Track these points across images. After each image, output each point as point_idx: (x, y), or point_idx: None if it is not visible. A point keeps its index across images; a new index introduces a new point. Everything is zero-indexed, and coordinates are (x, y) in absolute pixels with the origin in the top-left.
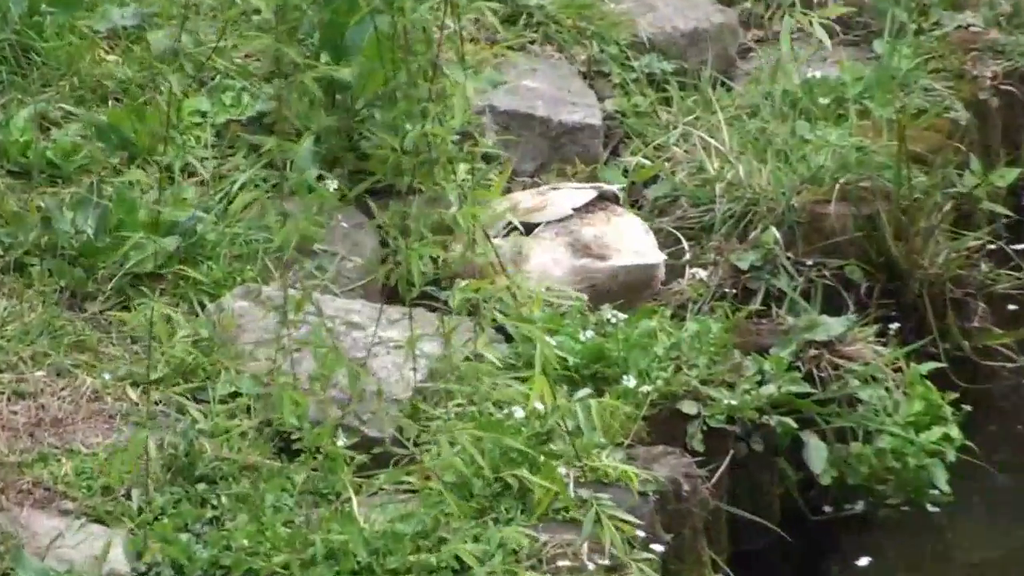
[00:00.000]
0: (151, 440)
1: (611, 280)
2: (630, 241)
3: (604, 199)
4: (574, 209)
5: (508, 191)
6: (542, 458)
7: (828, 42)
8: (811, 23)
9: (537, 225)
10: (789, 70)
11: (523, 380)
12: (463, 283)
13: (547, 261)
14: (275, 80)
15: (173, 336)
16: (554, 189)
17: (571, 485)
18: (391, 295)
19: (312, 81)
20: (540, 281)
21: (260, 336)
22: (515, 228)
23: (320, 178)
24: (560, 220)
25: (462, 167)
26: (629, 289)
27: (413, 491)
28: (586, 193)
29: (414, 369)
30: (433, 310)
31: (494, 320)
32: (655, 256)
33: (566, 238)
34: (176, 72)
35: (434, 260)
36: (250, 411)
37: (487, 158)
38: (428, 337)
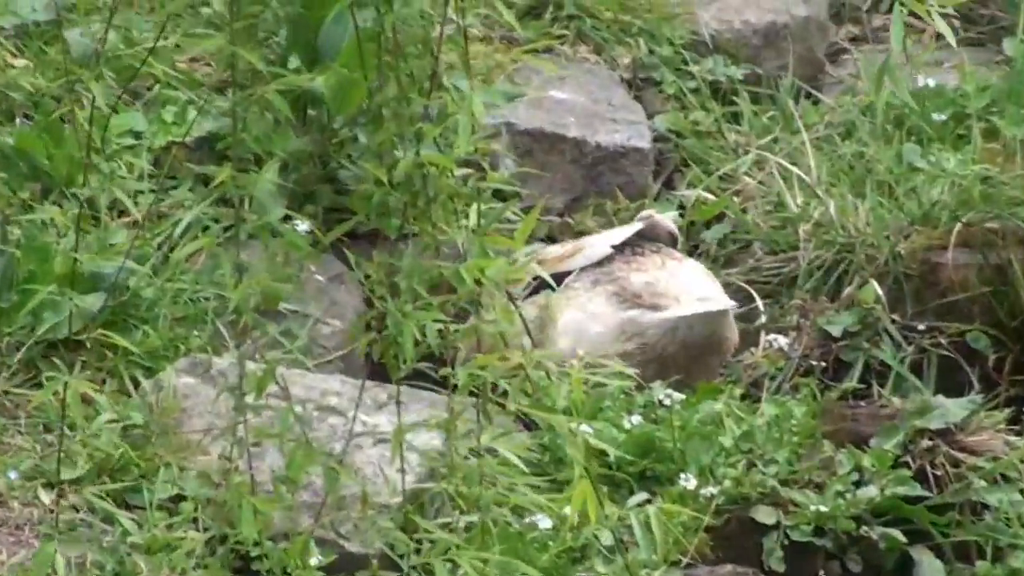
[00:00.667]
0: (62, 556)
1: (668, 337)
2: (691, 287)
3: (651, 240)
4: (614, 247)
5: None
6: None
7: (952, 37)
8: (929, 14)
9: (567, 274)
10: (897, 77)
11: (550, 481)
12: (469, 358)
13: (581, 317)
14: (230, 91)
15: (95, 422)
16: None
17: None
18: (378, 369)
19: (277, 94)
20: (574, 343)
21: (210, 422)
22: (541, 285)
23: (287, 218)
24: (598, 264)
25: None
26: (691, 351)
27: None
28: (628, 228)
29: (402, 470)
30: (431, 391)
31: (505, 406)
32: (723, 301)
33: (608, 286)
34: (101, 80)
35: (434, 330)
36: (197, 521)
37: (501, 195)
38: (424, 426)
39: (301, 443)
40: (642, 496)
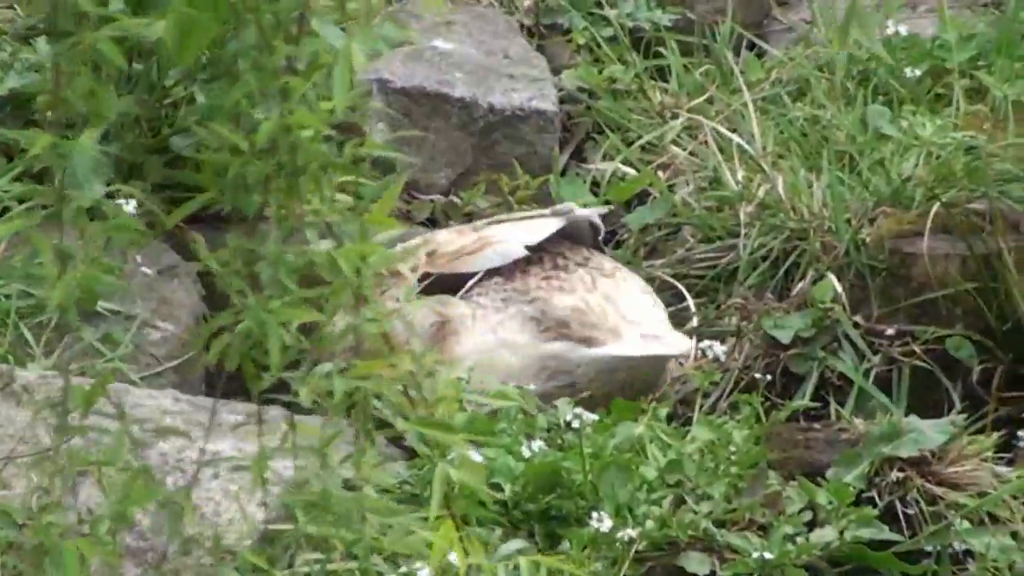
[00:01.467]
0: None
1: (603, 378)
2: (632, 315)
3: (569, 236)
4: (529, 248)
5: (406, 219)
6: None
7: None
8: None
9: (467, 277)
10: (864, 22)
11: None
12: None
13: (491, 342)
14: (39, 41)
15: None
16: (495, 223)
17: None
18: (215, 384)
19: (109, 43)
20: (483, 373)
21: (13, 448)
22: (432, 286)
23: (110, 196)
24: (508, 275)
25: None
26: (628, 392)
27: None
28: (547, 223)
29: (264, 504)
30: (287, 407)
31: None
32: (676, 343)
33: (524, 307)
34: None
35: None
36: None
37: (377, 165)
38: (278, 452)
39: (137, 471)
40: (514, 545)
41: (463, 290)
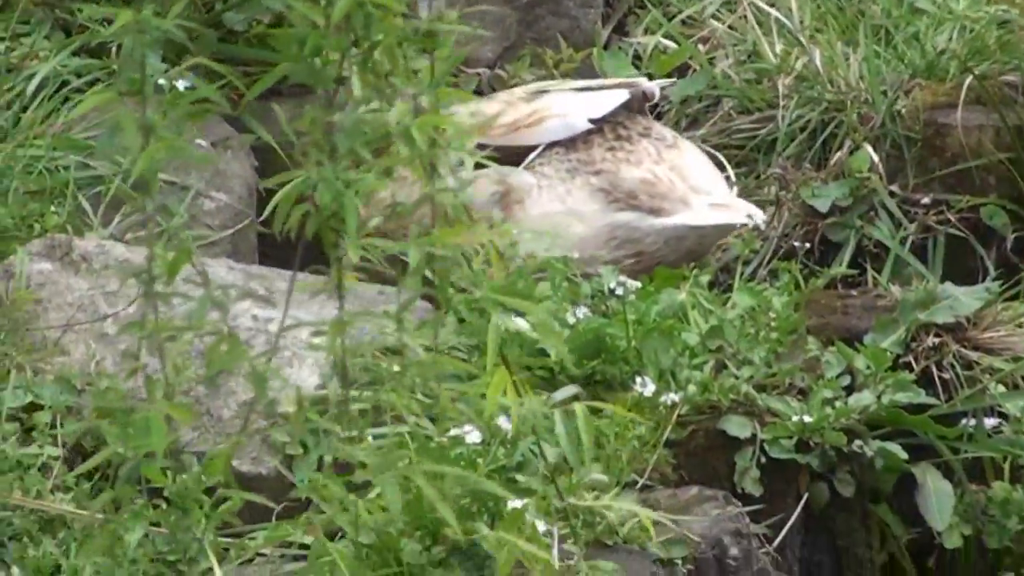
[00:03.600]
0: None
1: (671, 246)
2: (699, 184)
3: (624, 106)
4: (593, 122)
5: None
6: (509, 505)
7: None
8: None
9: (529, 150)
10: None
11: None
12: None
13: (559, 212)
14: None
15: None
16: (544, 92)
17: (555, 547)
18: (270, 254)
19: None
20: (553, 242)
21: (72, 315)
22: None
23: (166, 71)
24: (570, 144)
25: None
26: (692, 257)
27: (308, 557)
28: (611, 96)
29: (344, 372)
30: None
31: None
32: (744, 210)
33: (591, 178)
34: None
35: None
36: (56, 432)
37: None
38: (371, 318)
39: (223, 336)
40: (570, 390)
41: (526, 161)
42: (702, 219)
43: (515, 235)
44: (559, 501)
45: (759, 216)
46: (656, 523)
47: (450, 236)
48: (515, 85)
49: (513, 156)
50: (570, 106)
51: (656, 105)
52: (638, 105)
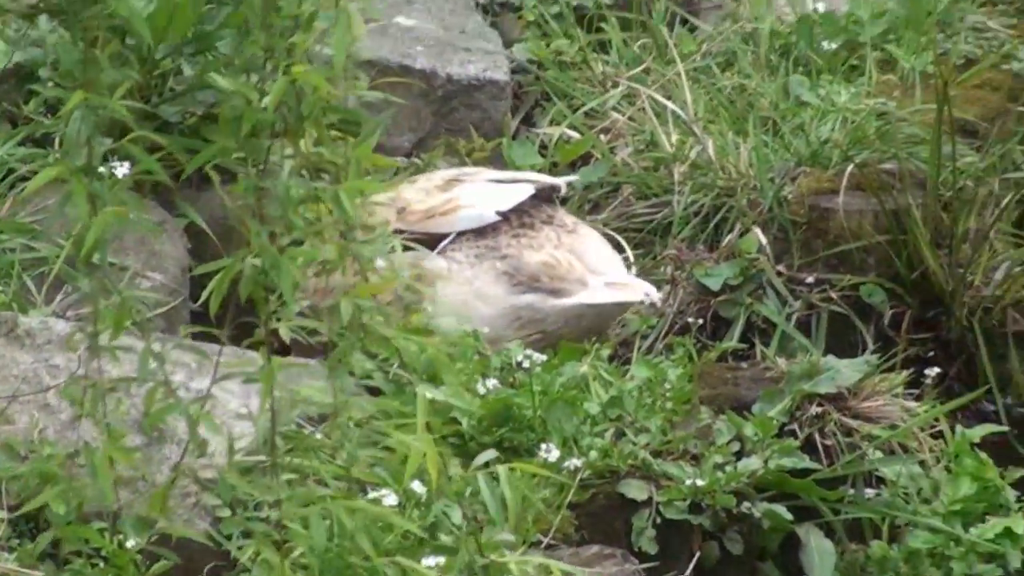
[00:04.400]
0: None
1: (572, 324)
2: (596, 266)
3: (536, 196)
4: (500, 214)
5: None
6: (424, 562)
7: None
8: None
9: (442, 236)
10: (780, 1)
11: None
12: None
13: (467, 295)
14: (42, 19)
15: None
16: (458, 181)
17: None
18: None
19: (138, 16)
20: (459, 324)
21: (16, 388)
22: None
23: (105, 159)
24: (479, 232)
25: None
26: (591, 333)
27: None
28: (518, 190)
29: (272, 425)
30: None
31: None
32: (639, 289)
33: (496, 263)
34: None
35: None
36: (0, 497)
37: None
38: (249, 385)
39: (159, 384)
40: (490, 454)
41: (439, 247)
42: (599, 298)
43: (428, 315)
44: (480, 558)
45: (654, 294)
46: None
47: (373, 290)
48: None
49: (427, 241)
50: (481, 198)
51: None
52: (545, 193)
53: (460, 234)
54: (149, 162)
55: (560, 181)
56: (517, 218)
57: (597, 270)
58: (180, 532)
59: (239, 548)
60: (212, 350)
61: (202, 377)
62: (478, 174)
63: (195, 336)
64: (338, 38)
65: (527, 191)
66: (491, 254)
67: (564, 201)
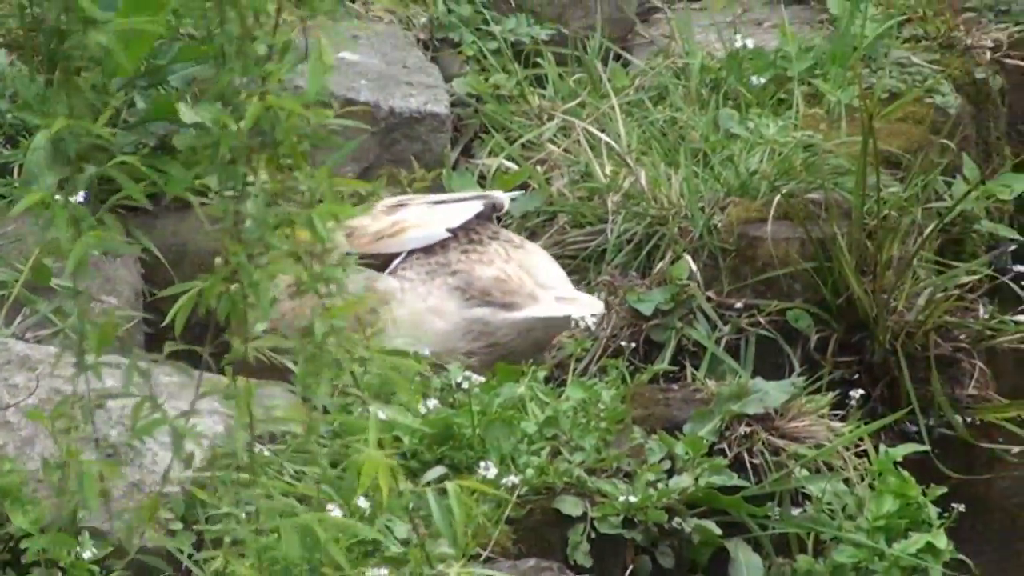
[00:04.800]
0: None
1: (522, 337)
2: (545, 281)
3: (479, 216)
4: (449, 231)
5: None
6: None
7: None
8: None
9: (392, 257)
10: (710, 38)
11: (337, 467)
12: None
13: (421, 311)
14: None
15: None
16: (403, 205)
17: None
18: (152, 350)
19: (119, 45)
20: (414, 339)
21: None
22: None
23: (60, 188)
24: (428, 250)
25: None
26: (539, 346)
27: None
28: (467, 207)
29: (253, 442)
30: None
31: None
32: (588, 304)
33: (448, 279)
34: None
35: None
36: None
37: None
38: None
39: (146, 398)
40: (439, 470)
41: (390, 267)
42: (550, 311)
43: (385, 333)
44: (429, 569)
45: (600, 307)
46: None
47: (345, 311)
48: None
49: (377, 263)
50: (429, 217)
51: (499, 219)
52: (488, 213)
53: (410, 253)
54: (134, 189)
55: (504, 196)
56: (465, 235)
57: (546, 284)
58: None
59: (203, 561)
60: (164, 370)
61: (176, 398)
62: (419, 198)
63: (171, 356)
64: (312, 67)
65: (476, 207)
66: (442, 270)
67: (504, 227)
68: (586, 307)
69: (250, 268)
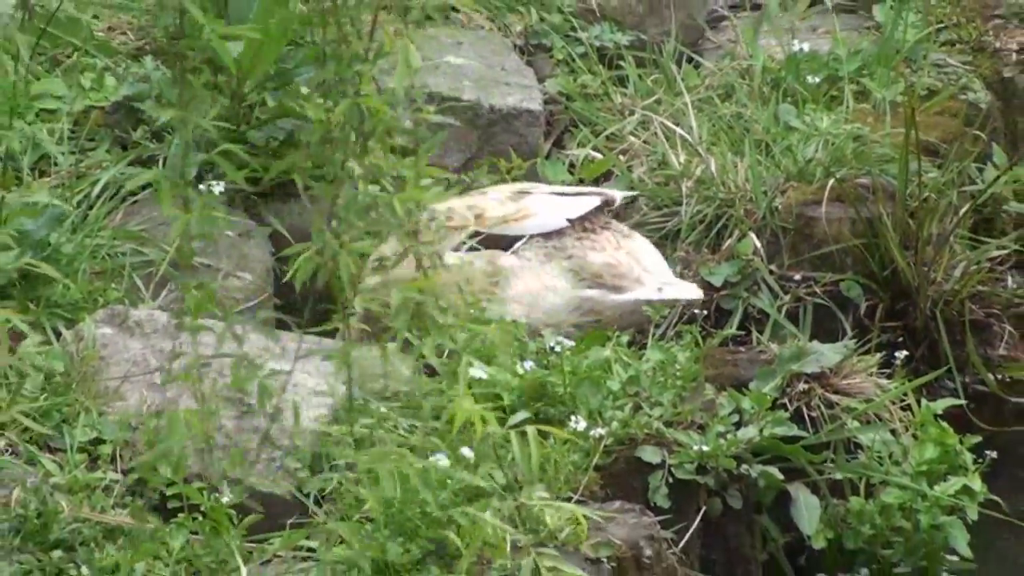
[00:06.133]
0: None
1: (626, 317)
2: (650, 267)
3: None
4: (568, 221)
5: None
6: (472, 514)
7: (829, 1)
8: None
9: (515, 239)
10: (771, 42)
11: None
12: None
13: (537, 287)
14: (147, 59)
15: (18, 368)
16: (526, 193)
17: (508, 550)
18: (283, 323)
19: (204, 52)
20: (528, 311)
21: (127, 370)
22: (483, 243)
23: (199, 179)
24: (546, 235)
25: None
26: (638, 325)
27: (315, 559)
28: (587, 201)
29: (351, 396)
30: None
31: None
32: (687, 290)
33: (563, 262)
34: (26, 43)
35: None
36: (116, 462)
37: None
38: (328, 369)
39: (242, 356)
40: (523, 415)
41: (513, 248)
42: (654, 295)
43: (504, 304)
44: (515, 501)
45: (698, 293)
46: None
47: (427, 283)
48: (477, 188)
49: (502, 242)
50: (551, 207)
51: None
52: (602, 207)
53: (531, 237)
54: (234, 173)
55: (618, 193)
56: (580, 223)
57: (650, 270)
58: (267, 487)
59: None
60: (295, 338)
61: (284, 362)
62: (542, 187)
63: (277, 324)
64: (400, 70)
65: (595, 202)
66: (559, 254)
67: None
68: (687, 292)
69: (334, 243)
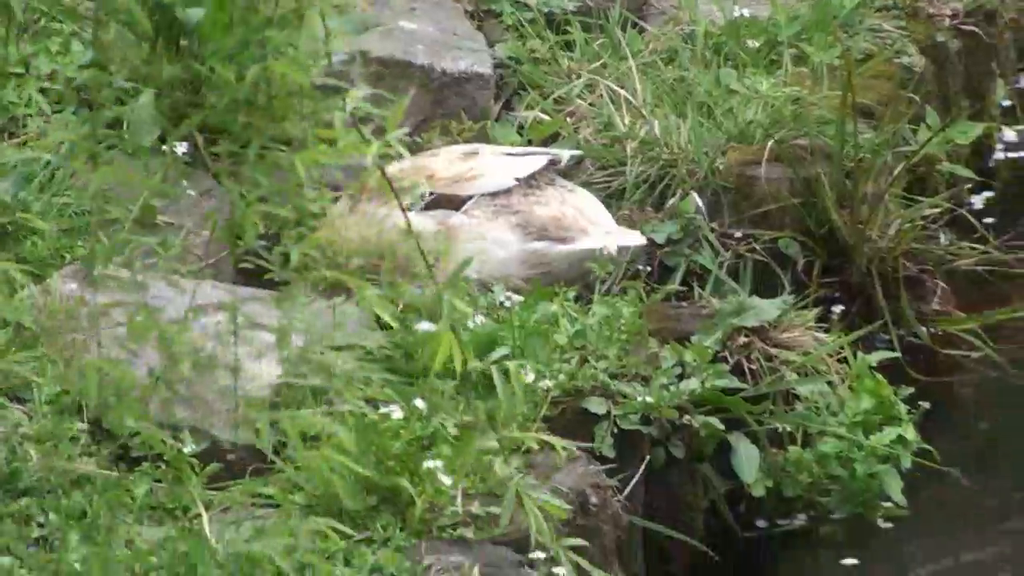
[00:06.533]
0: None
1: (574, 268)
2: (595, 218)
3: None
4: (516, 179)
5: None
6: (425, 465)
7: None
8: None
9: (462, 197)
10: (712, 8)
11: (405, 376)
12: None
13: (484, 243)
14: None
15: None
16: (475, 154)
17: (459, 498)
18: (247, 279)
19: (144, 17)
20: (477, 267)
21: (92, 324)
22: (434, 202)
23: (163, 140)
24: (493, 194)
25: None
26: (584, 276)
27: (273, 505)
28: (535, 160)
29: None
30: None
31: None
32: (632, 238)
33: (510, 217)
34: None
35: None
36: (82, 412)
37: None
38: (298, 320)
39: (141, 307)
40: (504, 351)
41: (463, 208)
42: (599, 243)
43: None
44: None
45: (641, 240)
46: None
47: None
48: (427, 149)
49: (454, 201)
50: (500, 167)
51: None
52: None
53: (480, 196)
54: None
55: (565, 153)
56: (526, 182)
57: (595, 221)
58: (226, 437)
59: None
60: (254, 293)
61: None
62: (490, 148)
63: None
64: (305, 34)
65: (541, 161)
66: (505, 210)
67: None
68: (630, 239)
69: (237, 199)
